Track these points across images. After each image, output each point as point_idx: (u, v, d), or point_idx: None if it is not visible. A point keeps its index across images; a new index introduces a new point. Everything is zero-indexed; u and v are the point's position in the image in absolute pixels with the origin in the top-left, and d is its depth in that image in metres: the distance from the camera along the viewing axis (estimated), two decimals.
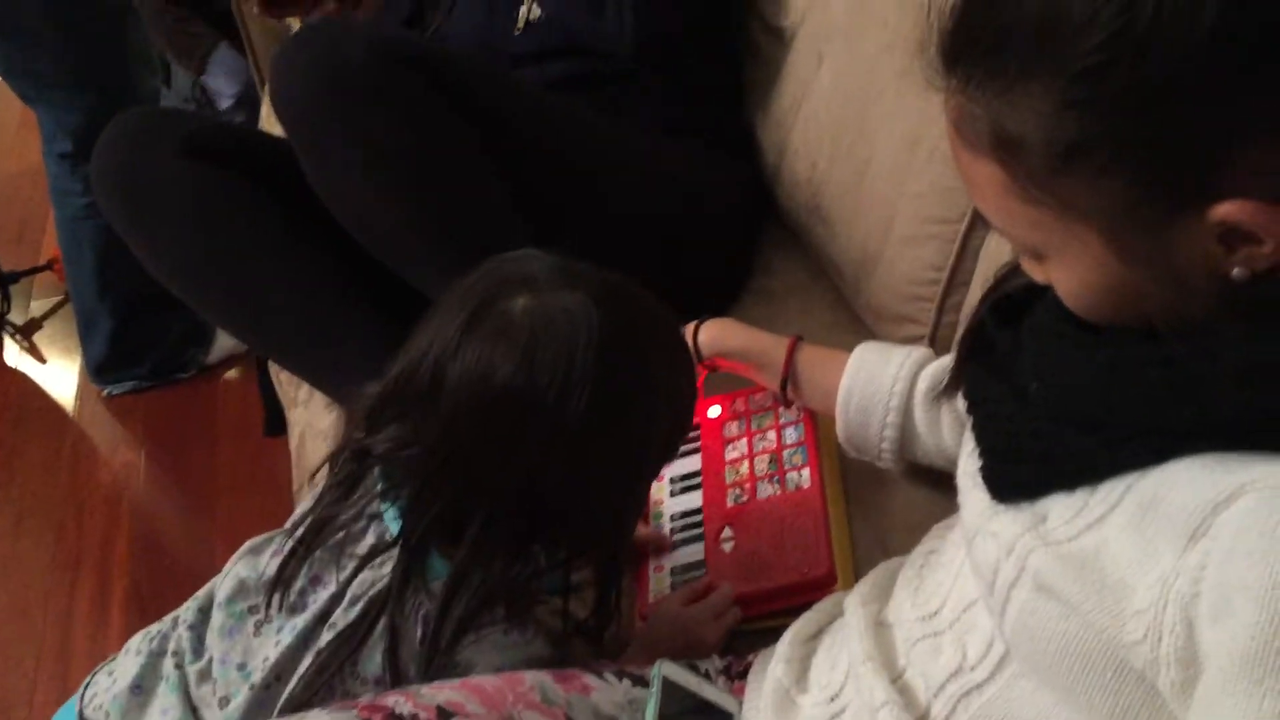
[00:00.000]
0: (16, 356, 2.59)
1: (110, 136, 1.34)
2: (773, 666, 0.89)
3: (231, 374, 2.39)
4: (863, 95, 1.30)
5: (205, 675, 0.92)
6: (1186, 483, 0.62)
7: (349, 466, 0.93)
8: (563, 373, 0.84)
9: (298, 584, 0.91)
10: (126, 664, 0.96)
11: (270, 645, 0.91)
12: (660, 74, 1.47)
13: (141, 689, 0.94)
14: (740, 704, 0.89)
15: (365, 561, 0.89)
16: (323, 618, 0.90)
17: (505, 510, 0.87)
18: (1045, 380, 0.70)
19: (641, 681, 0.89)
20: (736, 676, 0.94)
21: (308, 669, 0.88)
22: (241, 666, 0.91)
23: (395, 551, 0.89)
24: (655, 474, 0.99)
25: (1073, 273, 0.66)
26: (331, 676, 0.88)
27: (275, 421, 1.60)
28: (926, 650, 0.81)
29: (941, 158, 1.15)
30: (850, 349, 1.10)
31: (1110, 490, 0.66)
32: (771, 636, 0.94)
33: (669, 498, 1.16)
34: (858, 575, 0.98)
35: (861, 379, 1.05)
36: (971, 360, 0.82)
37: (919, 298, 1.22)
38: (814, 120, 1.40)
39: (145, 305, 2.21)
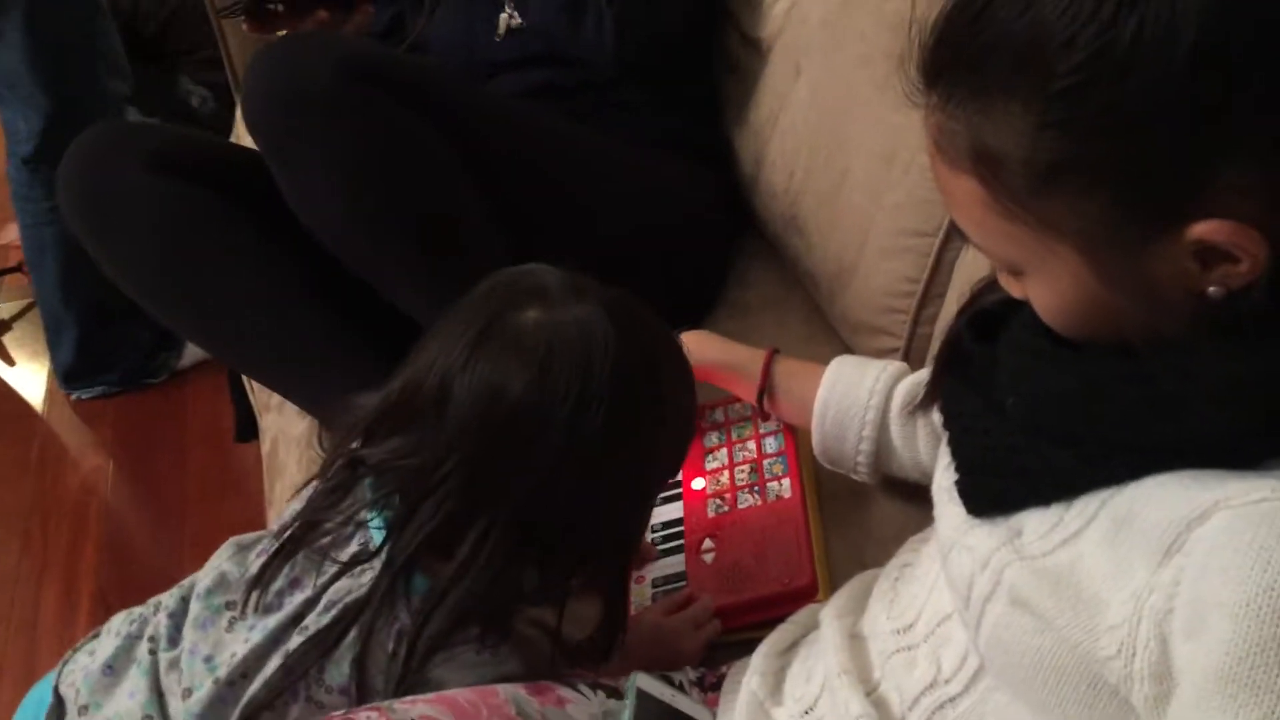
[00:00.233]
0: None
1: (75, 152, 1.32)
2: (747, 679, 0.89)
3: (203, 379, 2.37)
4: (840, 107, 1.31)
5: (175, 664, 0.92)
6: (1161, 499, 0.62)
7: (341, 474, 0.92)
8: (578, 387, 0.84)
9: (276, 585, 0.90)
10: (105, 644, 0.95)
11: (240, 642, 0.90)
12: (639, 84, 1.47)
13: (113, 670, 0.93)
14: (714, 716, 0.89)
15: (345, 569, 0.89)
16: (295, 620, 0.89)
17: (503, 526, 0.85)
18: (1021, 395, 0.71)
19: (616, 693, 0.89)
20: (710, 688, 0.94)
21: (274, 670, 0.87)
22: (208, 659, 0.90)
23: (376, 561, 0.88)
24: (661, 487, 0.98)
25: (1050, 289, 0.66)
26: (296, 680, 0.87)
27: (247, 427, 1.59)
28: (901, 663, 0.81)
29: (918, 170, 1.16)
30: (826, 361, 1.10)
31: (1085, 505, 0.66)
32: (746, 648, 0.94)
33: None
34: (834, 587, 0.98)
35: (837, 393, 1.05)
36: (948, 374, 0.82)
37: (894, 310, 1.22)
38: (791, 132, 1.40)
39: (113, 311, 2.19)
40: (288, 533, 0.91)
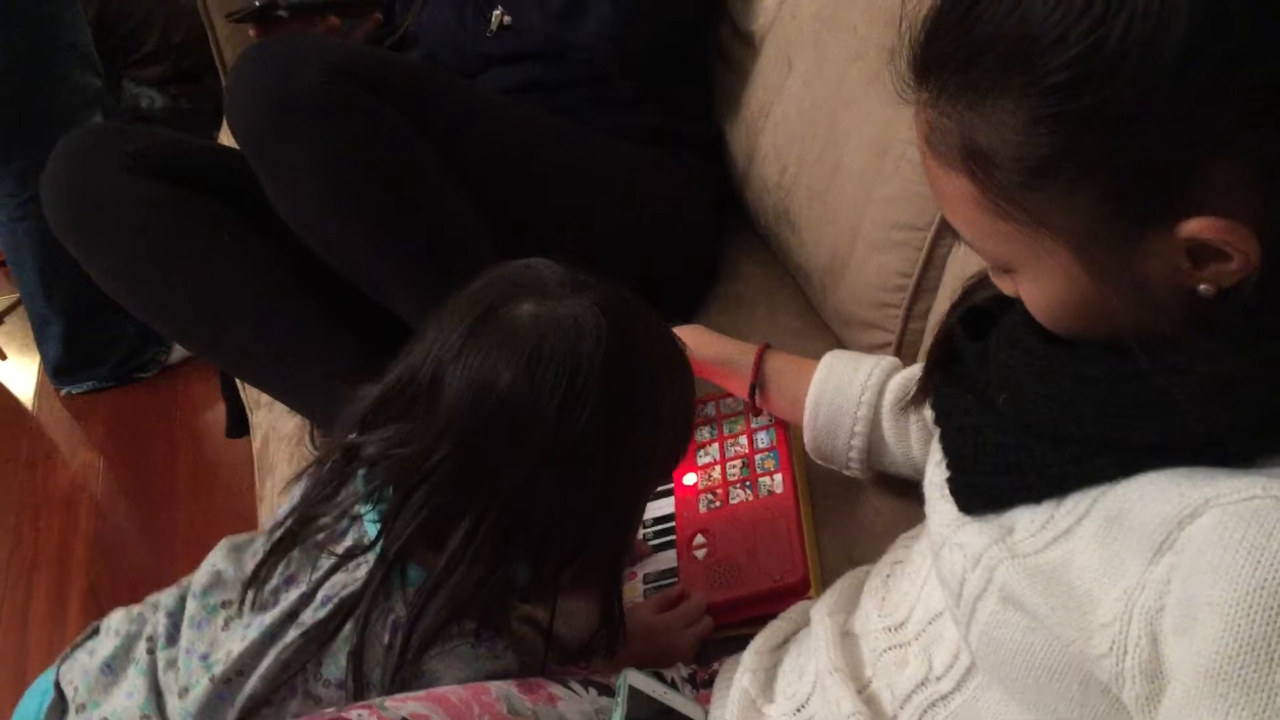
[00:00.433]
0: None
1: (57, 158, 1.32)
2: (739, 676, 0.89)
3: (194, 374, 2.36)
4: (832, 101, 1.30)
5: (172, 663, 0.92)
6: (1152, 497, 0.62)
7: (337, 466, 0.91)
8: (566, 382, 0.83)
9: (272, 582, 0.90)
10: (105, 643, 0.95)
11: (236, 640, 0.90)
12: (632, 80, 1.46)
13: (112, 669, 0.93)
14: (706, 713, 0.89)
15: (340, 563, 0.88)
16: (291, 616, 0.89)
17: (493, 519, 0.85)
18: (1013, 393, 0.70)
19: (608, 691, 0.89)
20: (702, 685, 0.94)
21: (270, 666, 0.87)
22: (205, 658, 0.90)
23: (371, 555, 0.88)
24: (654, 489, 0.98)
25: (1042, 286, 0.66)
26: (294, 675, 0.87)
27: (238, 423, 1.58)
28: (893, 661, 0.81)
29: (910, 164, 1.16)
30: (817, 356, 1.10)
31: (1077, 503, 0.66)
32: (737, 644, 0.94)
33: None
34: (826, 583, 0.98)
35: (829, 389, 1.05)
36: (939, 370, 0.82)
37: (886, 304, 1.22)
38: (783, 125, 1.40)
39: (97, 306, 2.18)
40: (283, 527, 0.91)
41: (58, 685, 0.94)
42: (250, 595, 0.90)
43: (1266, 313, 0.60)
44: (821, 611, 0.89)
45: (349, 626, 0.86)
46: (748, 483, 1.12)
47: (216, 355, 1.39)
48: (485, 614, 0.87)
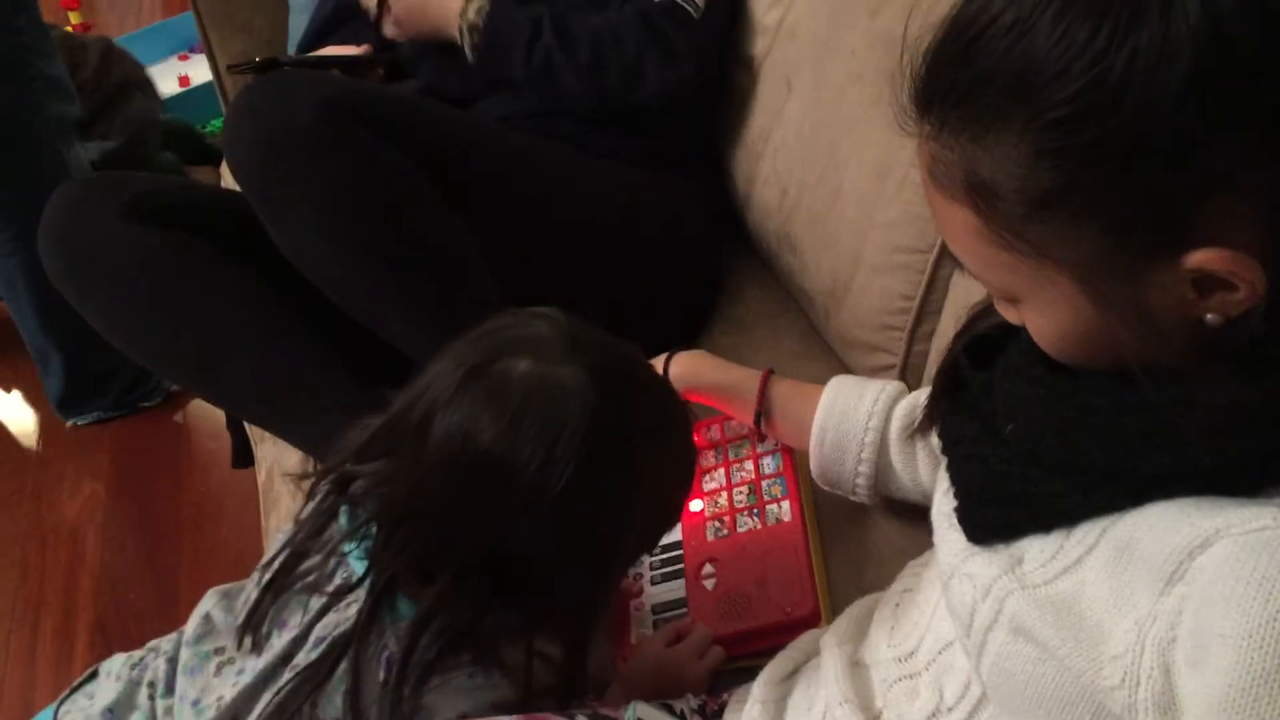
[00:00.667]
0: None
1: (53, 206, 1.32)
2: (748, 708, 0.88)
3: (199, 402, 2.35)
4: (832, 124, 1.30)
5: (169, 711, 0.92)
6: (1162, 527, 0.62)
7: (330, 496, 0.92)
8: (545, 448, 0.83)
9: (263, 626, 0.90)
10: (106, 687, 0.95)
11: (228, 685, 0.90)
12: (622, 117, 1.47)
13: (114, 715, 0.93)
14: None
15: (331, 603, 0.88)
16: (285, 659, 0.88)
17: (474, 566, 0.85)
18: (1019, 423, 0.70)
19: None
20: (711, 716, 0.93)
21: (266, 710, 0.87)
22: (196, 704, 0.90)
23: (360, 593, 0.88)
24: (634, 559, 0.97)
25: (1047, 317, 0.66)
26: (290, 717, 0.87)
27: (243, 454, 1.58)
28: (903, 692, 0.80)
29: (911, 187, 1.16)
30: (821, 378, 1.09)
31: (1086, 533, 0.66)
32: (747, 675, 0.93)
33: None
34: (835, 611, 0.97)
35: (835, 414, 1.05)
36: (945, 398, 0.81)
37: (889, 327, 1.22)
38: (784, 148, 1.40)
39: (95, 336, 2.16)
40: (275, 564, 0.91)
41: None
42: (247, 639, 0.90)
43: (1274, 342, 0.59)
44: (831, 641, 0.89)
45: (344, 665, 0.86)
46: (755, 510, 1.11)
47: (218, 396, 1.39)
48: (478, 646, 0.87)
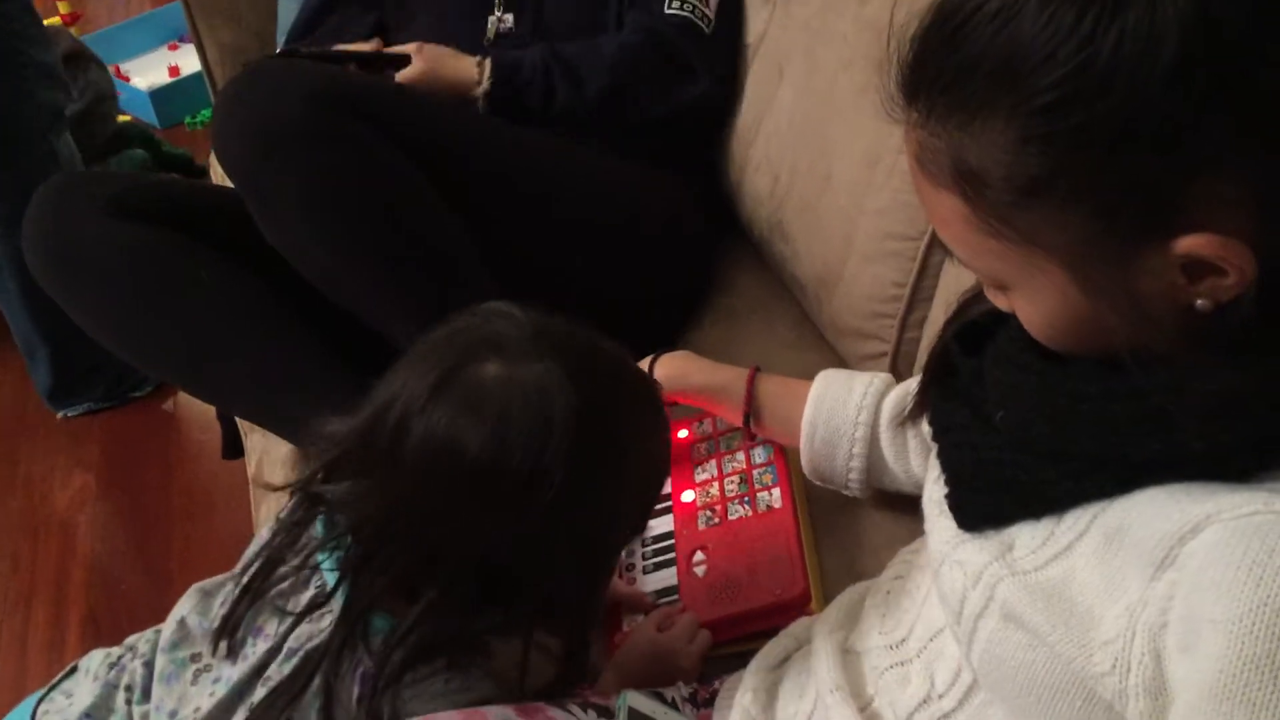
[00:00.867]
0: None
1: (37, 202, 1.31)
2: (740, 695, 0.88)
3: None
4: (823, 111, 1.30)
5: (146, 718, 0.91)
6: (1152, 513, 0.62)
7: (301, 510, 0.91)
8: (535, 453, 0.82)
9: (240, 631, 0.89)
10: (84, 688, 0.94)
11: (204, 695, 0.89)
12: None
13: (91, 719, 0.92)
14: None
15: (304, 615, 0.87)
16: (258, 671, 0.88)
17: (462, 576, 0.84)
18: (1009, 410, 0.70)
19: (607, 713, 0.88)
20: (703, 704, 0.93)
21: None
22: (173, 714, 0.90)
23: (334, 603, 0.87)
24: (626, 544, 0.97)
25: (1036, 304, 0.65)
26: None
27: (233, 445, 1.57)
28: (894, 679, 0.81)
29: (901, 174, 1.16)
30: (814, 367, 1.09)
31: (1077, 519, 0.66)
32: (737, 662, 0.94)
33: None
34: (827, 597, 0.98)
35: (824, 411, 1.04)
36: (935, 385, 0.81)
37: (881, 314, 1.22)
38: (775, 136, 1.40)
39: (82, 330, 2.15)
40: (249, 574, 0.90)
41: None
42: (223, 645, 0.89)
43: (1264, 327, 0.59)
44: (822, 629, 0.89)
45: (317, 681, 0.85)
46: (746, 499, 1.11)
47: (208, 393, 1.39)
48: (457, 652, 0.86)
